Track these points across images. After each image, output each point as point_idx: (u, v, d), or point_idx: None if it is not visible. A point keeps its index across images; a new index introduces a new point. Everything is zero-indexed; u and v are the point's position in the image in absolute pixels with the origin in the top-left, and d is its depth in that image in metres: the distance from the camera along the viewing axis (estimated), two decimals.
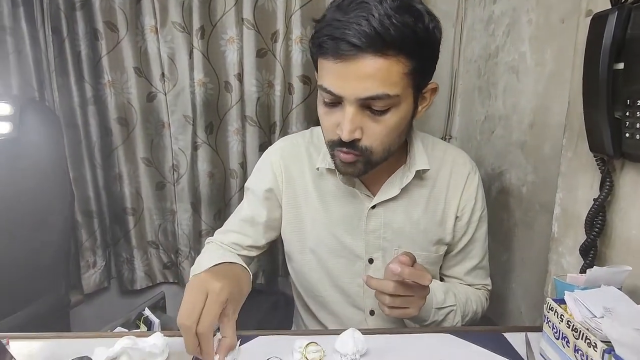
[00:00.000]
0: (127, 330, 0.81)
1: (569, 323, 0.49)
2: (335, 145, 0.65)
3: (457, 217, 0.80)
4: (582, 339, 0.47)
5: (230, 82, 1.41)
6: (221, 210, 1.52)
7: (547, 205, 0.98)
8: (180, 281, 1.58)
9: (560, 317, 0.51)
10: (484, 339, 0.60)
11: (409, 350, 0.58)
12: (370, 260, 0.78)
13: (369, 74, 0.58)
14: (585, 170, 0.70)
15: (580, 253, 0.67)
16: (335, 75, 0.60)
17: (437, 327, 0.63)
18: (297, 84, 1.40)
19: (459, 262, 0.83)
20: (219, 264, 0.68)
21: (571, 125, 0.74)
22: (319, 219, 0.78)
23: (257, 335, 0.60)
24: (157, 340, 0.53)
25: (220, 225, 1.52)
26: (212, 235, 0.90)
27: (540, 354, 0.56)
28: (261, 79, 1.41)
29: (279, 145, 0.84)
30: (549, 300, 0.53)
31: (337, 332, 0.58)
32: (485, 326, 0.66)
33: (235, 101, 1.42)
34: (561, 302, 0.54)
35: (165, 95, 1.43)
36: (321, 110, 0.66)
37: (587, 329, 0.47)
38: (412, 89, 0.63)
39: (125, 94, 1.42)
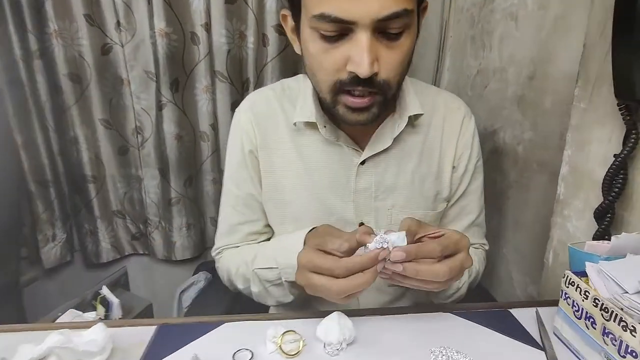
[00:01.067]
0: (81, 313, 0.70)
1: (597, 301, 0.41)
2: (343, 87, 0.54)
3: (453, 168, 0.72)
4: (614, 320, 0.39)
5: (196, 33, 1.26)
6: (192, 177, 1.40)
7: (547, 164, 0.91)
8: (151, 252, 1.48)
9: (585, 294, 0.43)
10: (488, 317, 0.52)
11: (405, 335, 0.50)
12: (361, 225, 0.69)
13: None
14: (603, 122, 0.61)
15: (594, 217, 0.60)
16: None
17: (435, 306, 0.55)
18: (272, 35, 1.26)
19: (454, 218, 0.75)
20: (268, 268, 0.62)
21: (586, 71, 0.64)
22: (300, 183, 0.68)
23: (222, 322, 0.50)
24: (96, 334, 0.42)
25: (193, 193, 1.44)
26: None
27: (554, 334, 0.49)
28: (231, 29, 1.26)
29: (248, 102, 0.72)
30: (569, 273, 0.45)
31: (321, 315, 0.49)
32: (488, 302, 0.58)
33: (204, 55, 1.27)
34: (581, 274, 0.46)
35: (123, 47, 1.27)
36: (316, 48, 0.53)
37: (622, 309, 0.39)
38: (416, 5, 0.54)
39: (76, 46, 1.24)
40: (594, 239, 0.59)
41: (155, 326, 0.49)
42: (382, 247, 0.45)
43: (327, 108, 0.62)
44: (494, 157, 1.11)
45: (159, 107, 1.30)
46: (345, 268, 0.46)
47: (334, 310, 0.49)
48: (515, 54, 1.01)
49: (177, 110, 1.31)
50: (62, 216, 1.39)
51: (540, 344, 0.47)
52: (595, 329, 0.42)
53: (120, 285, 1.04)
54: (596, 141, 0.63)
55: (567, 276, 0.46)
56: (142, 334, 0.48)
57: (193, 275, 1.41)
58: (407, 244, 0.46)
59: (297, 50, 0.60)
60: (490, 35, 1.13)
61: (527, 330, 0.50)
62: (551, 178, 0.89)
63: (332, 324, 0.46)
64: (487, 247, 0.82)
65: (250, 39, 1.27)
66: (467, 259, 0.48)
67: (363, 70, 0.50)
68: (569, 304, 0.46)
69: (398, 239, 0.45)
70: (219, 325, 0.49)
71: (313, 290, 0.48)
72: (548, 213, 0.91)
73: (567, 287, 0.46)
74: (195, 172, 1.41)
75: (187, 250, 1.46)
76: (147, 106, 1.32)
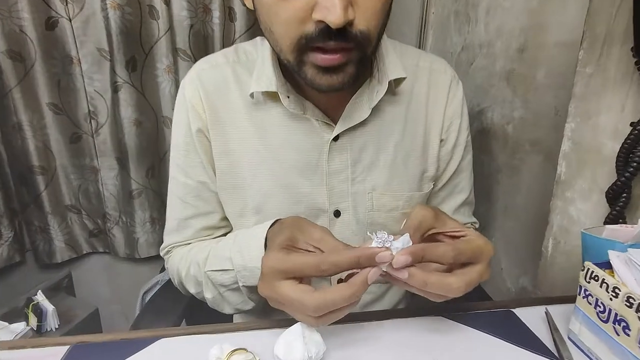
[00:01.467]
0: (7, 324, 0.59)
1: (631, 300, 0.32)
2: (310, 43, 0.43)
3: (441, 141, 0.63)
4: None
5: (154, 6, 1.13)
6: (154, 166, 1.28)
7: (540, 143, 0.83)
8: (112, 250, 1.35)
9: (614, 291, 0.34)
10: (488, 320, 0.43)
11: (388, 346, 0.40)
12: (337, 213, 0.59)
13: None
14: (614, 88, 0.53)
15: (607, 197, 0.51)
16: None
17: (424, 309, 0.45)
18: (239, 9, 1.15)
19: (445, 198, 0.66)
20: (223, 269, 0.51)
21: (593, 30, 0.55)
22: (261, 166, 0.57)
23: (157, 338, 0.40)
24: None
25: (156, 184, 1.32)
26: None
27: (569, 338, 0.40)
28: (194, 1, 1.14)
29: (195, 71, 0.60)
30: (590, 265, 0.37)
31: (284, 325, 0.39)
32: (486, 301, 0.49)
33: (164, 31, 1.15)
34: (604, 266, 0.37)
35: (71, 21, 1.13)
36: None
37: None
38: None
39: (15, 19, 1.10)
40: (605, 223, 0.51)
41: (68, 346, 0.38)
42: (384, 246, 0.36)
43: (291, 73, 0.52)
44: (481, 139, 1.03)
45: (114, 89, 1.17)
46: (333, 263, 0.36)
47: None
48: (503, 25, 0.93)
49: (135, 92, 1.19)
50: (8, 212, 1.24)
51: (556, 353, 0.39)
52: (628, 335, 0.33)
53: (62, 289, 0.91)
54: (605, 110, 0.54)
55: (588, 269, 0.37)
56: (49, 357, 0.37)
57: (159, 273, 1.29)
58: (416, 242, 0.37)
59: (248, 3, 0.49)
60: (475, 7, 1.04)
61: (537, 335, 0.41)
62: (545, 159, 0.81)
63: (294, 338, 0.36)
64: (477, 225, 0.74)
65: (216, 14, 1.15)
66: (486, 272, 0.39)
67: (335, 18, 0.39)
68: (590, 303, 0.37)
69: (402, 244, 0.37)
70: (152, 343, 0.39)
71: (281, 303, 0.38)
72: (542, 197, 0.83)
73: (588, 282, 0.37)
74: (158, 161, 1.28)
75: (152, 246, 1.34)
76: (101, 88, 1.19)
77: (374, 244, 0.36)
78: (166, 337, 0.40)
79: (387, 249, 0.36)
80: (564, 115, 0.72)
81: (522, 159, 0.89)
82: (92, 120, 1.22)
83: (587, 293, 0.37)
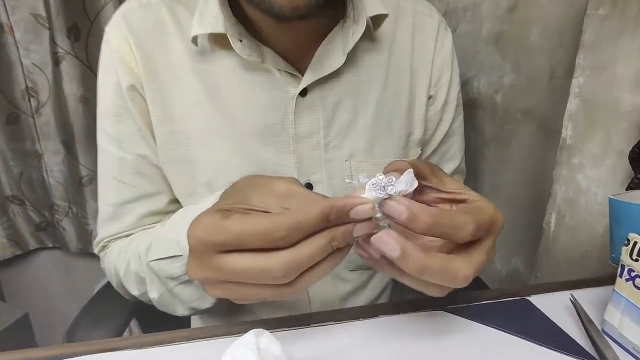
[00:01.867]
0: None
1: None
2: None
3: (430, 98, 0.53)
4: None
5: None
6: None
7: (534, 111, 0.75)
8: (63, 245, 1.22)
9: None
10: (499, 313, 0.34)
11: (374, 352, 0.31)
12: (308, 187, 0.48)
13: None
14: (634, 30, 0.44)
15: (630, 159, 0.43)
16: None
17: (420, 303, 0.36)
18: None
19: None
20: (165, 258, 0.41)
21: None
22: (212, 131, 0.46)
23: (58, 358, 0.29)
24: None
25: None
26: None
27: (604, 332, 0.32)
28: None
29: (119, 14, 0.46)
30: (638, 238, 0.28)
31: (238, 332, 0.29)
32: (496, 289, 0.40)
33: None
34: None
35: None
36: None
37: None
38: None
39: None
40: (629, 189, 0.43)
41: None
42: (384, 194, 0.25)
43: (243, 12, 0.41)
44: (466, 111, 0.94)
45: (56, 61, 1.03)
46: (291, 227, 0.25)
47: (287, 316, 0.29)
48: None
49: (79, 65, 1.05)
50: None
51: (592, 352, 0.30)
52: None
53: None
54: (623, 58, 0.46)
55: (635, 242, 0.28)
56: None
57: None
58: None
59: None
60: None
61: (563, 329, 0.33)
62: (540, 128, 0.74)
63: (245, 351, 0.26)
64: None
65: None
66: (493, 248, 0.30)
67: None
68: (637, 287, 0.28)
69: (405, 186, 0.26)
70: None
71: (229, 283, 0.27)
72: (536, 170, 0.76)
73: (635, 259, 0.28)
74: None
75: None
76: (40, 60, 1.05)
77: (367, 194, 0.26)
78: (71, 356, 0.29)
79: (390, 197, 0.25)
80: (562, 77, 0.64)
81: (512, 131, 0.81)
82: (31, 98, 1.08)
83: (634, 274, 0.28)
